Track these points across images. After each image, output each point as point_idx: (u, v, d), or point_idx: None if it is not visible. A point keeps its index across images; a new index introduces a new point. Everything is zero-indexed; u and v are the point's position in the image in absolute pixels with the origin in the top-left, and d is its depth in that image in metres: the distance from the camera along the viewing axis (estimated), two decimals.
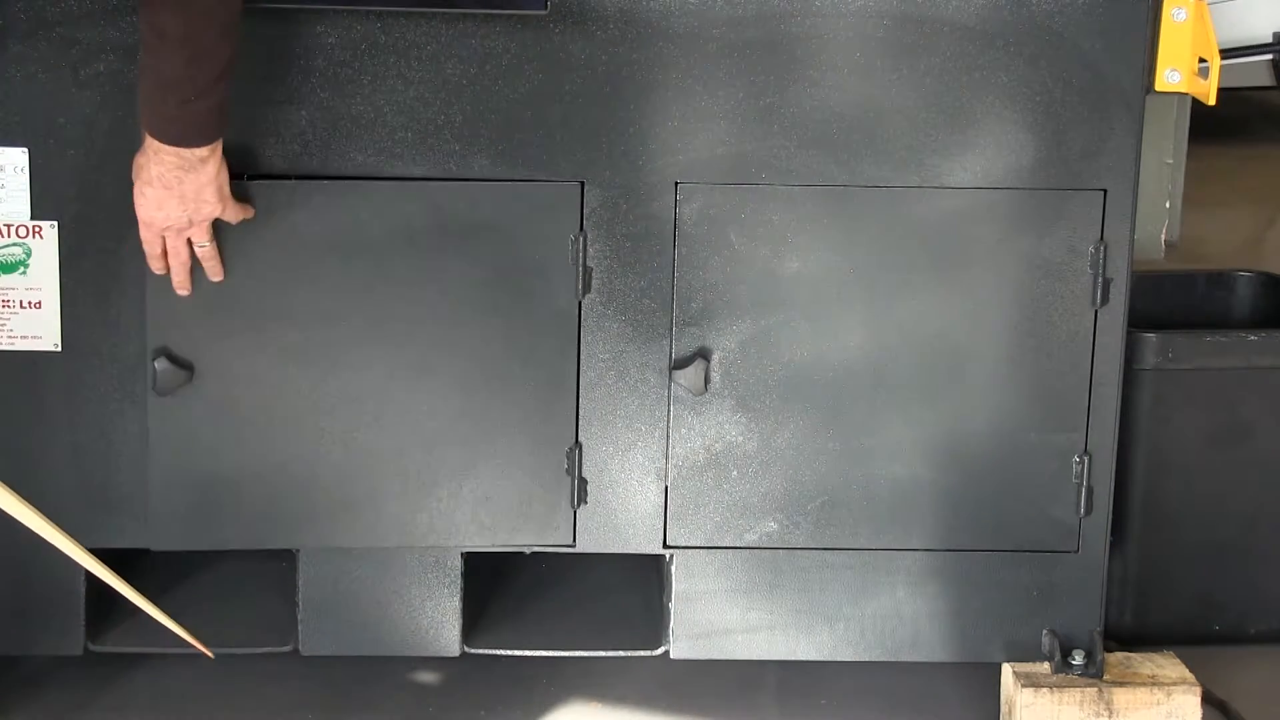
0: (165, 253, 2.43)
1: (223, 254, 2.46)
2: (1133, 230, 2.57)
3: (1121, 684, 2.58)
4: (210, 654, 2.48)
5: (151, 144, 2.32)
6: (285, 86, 2.45)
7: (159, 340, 2.51)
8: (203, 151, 2.32)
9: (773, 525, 2.62)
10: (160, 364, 2.50)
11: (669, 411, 2.58)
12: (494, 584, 2.84)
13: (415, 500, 2.59)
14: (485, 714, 2.66)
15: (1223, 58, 2.54)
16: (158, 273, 2.45)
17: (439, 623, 2.64)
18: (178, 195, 2.35)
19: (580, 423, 2.58)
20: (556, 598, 2.84)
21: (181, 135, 2.30)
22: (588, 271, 2.53)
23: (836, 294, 2.56)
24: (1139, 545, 2.84)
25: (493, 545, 2.62)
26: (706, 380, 2.56)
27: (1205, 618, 2.88)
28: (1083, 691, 2.57)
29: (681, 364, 2.55)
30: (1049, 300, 2.58)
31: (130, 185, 2.45)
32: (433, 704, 2.68)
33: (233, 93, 2.44)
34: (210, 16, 2.24)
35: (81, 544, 2.56)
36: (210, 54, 2.26)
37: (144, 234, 2.41)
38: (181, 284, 2.46)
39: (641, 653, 2.69)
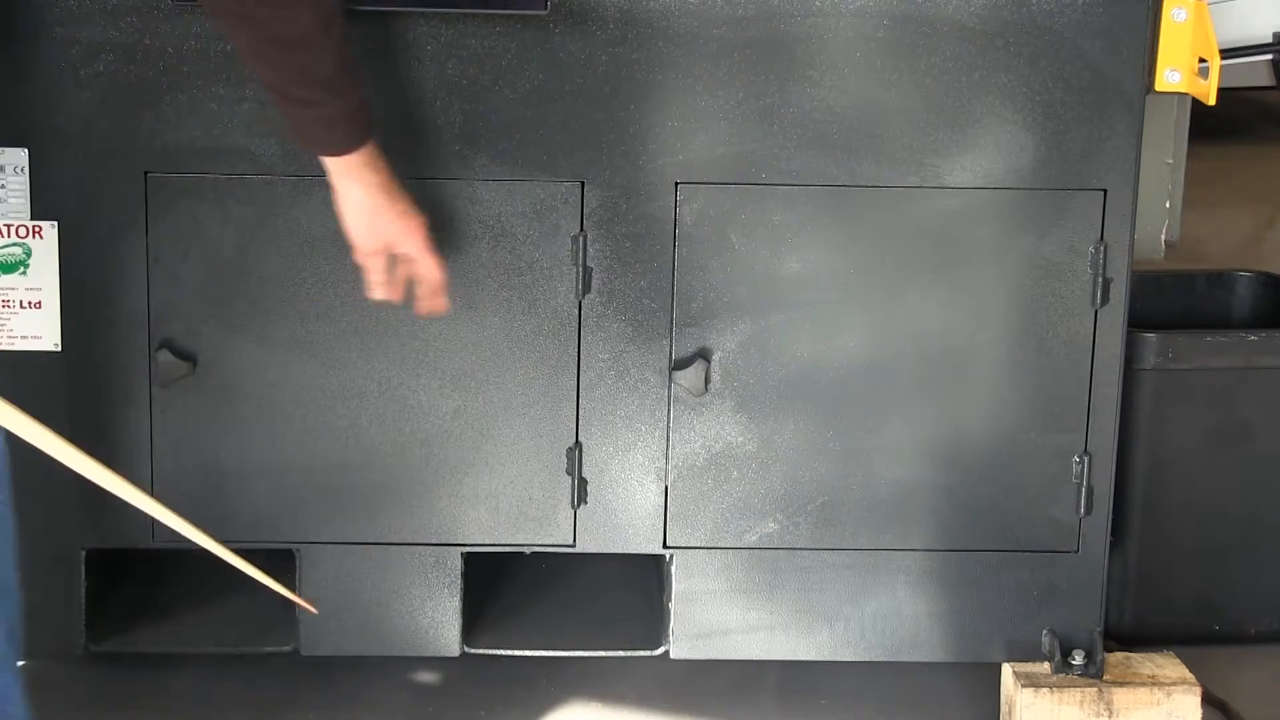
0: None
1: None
2: (1133, 230, 2.57)
3: (1121, 684, 2.58)
4: (313, 610, 2.45)
5: (353, 167, 2.31)
6: None
7: (161, 332, 2.51)
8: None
9: (772, 525, 2.62)
10: (162, 355, 2.50)
11: (669, 412, 2.58)
12: (494, 584, 2.84)
13: (415, 499, 2.59)
14: (485, 714, 2.66)
15: (1223, 58, 2.53)
16: (383, 297, 2.42)
17: (439, 623, 2.64)
18: (395, 185, 2.35)
19: (580, 423, 2.58)
20: (556, 598, 2.84)
21: (365, 130, 2.30)
22: (588, 271, 2.53)
23: (837, 294, 2.56)
24: (1139, 545, 2.84)
25: (493, 545, 2.62)
26: (707, 381, 2.56)
27: (1205, 618, 2.88)
28: (1083, 691, 2.57)
29: (682, 364, 2.55)
30: (1049, 300, 2.57)
31: (129, 185, 2.45)
32: (433, 704, 2.68)
33: (234, 92, 2.45)
34: (331, 22, 2.23)
35: (82, 544, 2.57)
36: (337, 53, 2.25)
37: (370, 259, 2.39)
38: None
39: (641, 653, 2.69)
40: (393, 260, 2.39)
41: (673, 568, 2.64)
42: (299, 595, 2.61)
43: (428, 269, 2.40)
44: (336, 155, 2.30)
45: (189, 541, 2.58)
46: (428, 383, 2.56)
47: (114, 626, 2.68)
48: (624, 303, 2.55)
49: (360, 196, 2.33)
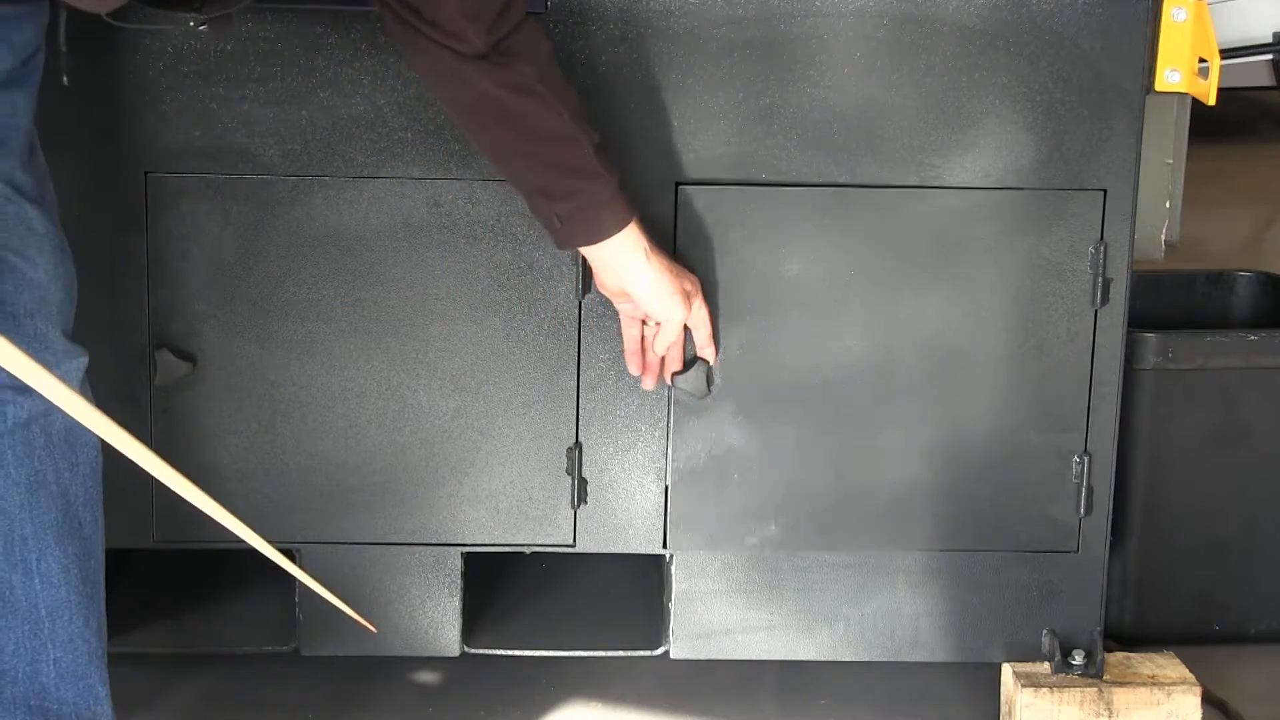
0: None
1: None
2: (1133, 230, 2.57)
3: (1121, 684, 2.58)
4: (373, 628, 2.45)
5: (630, 242, 2.32)
6: (285, 86, 2.45)
7: (161, 332, 2.51)
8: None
9: (773, 527, 2.62)
10: (162, 355, 2.50)
11: (669, 412, 2.58)
12: (494, 584, 2.84)
13: (415, 499, 2.59)
14: (485, 714, 2.66)
15: (1223, 58, 2.53)
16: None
17: (439, 623, 2.64)
18: (669, 261, 2.39)
19: (580, 423, 2.58)
20: (556, 598, 2.84)
21: (629, 204, 2.32)
22: (588, 271, 2.52)
23: (837, 295, 2.56)
24: (1139, 545, 2.84)
25: (493, 545, 2.62)
26: (709, 383, 2.56)
27: (1205, 618, 2.88)
28: (1083, 691, 2.57)
29: (683, 367, 2.55)
30: (1049, 300, 2.57)
31: (129, 185, 2.45)
32: (433, 704, 2.68)
33: (234, 92, 2.45)
34: (560, 103, 2.25)
35: None
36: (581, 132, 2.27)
37: (674, 329, 2.44)
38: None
39: (641, 653, 2.69)
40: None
41: (673, 568, 2.64)
42: (300, 596, 2.62)
43: (704, 317, 2.46)
44: (606, 239, 2.31)
45: (187, 541, 2.60)
46: (428, 383, 2.56)
47: (113, 627, 2.66)
48: None
49: (653, 269, 2.35)
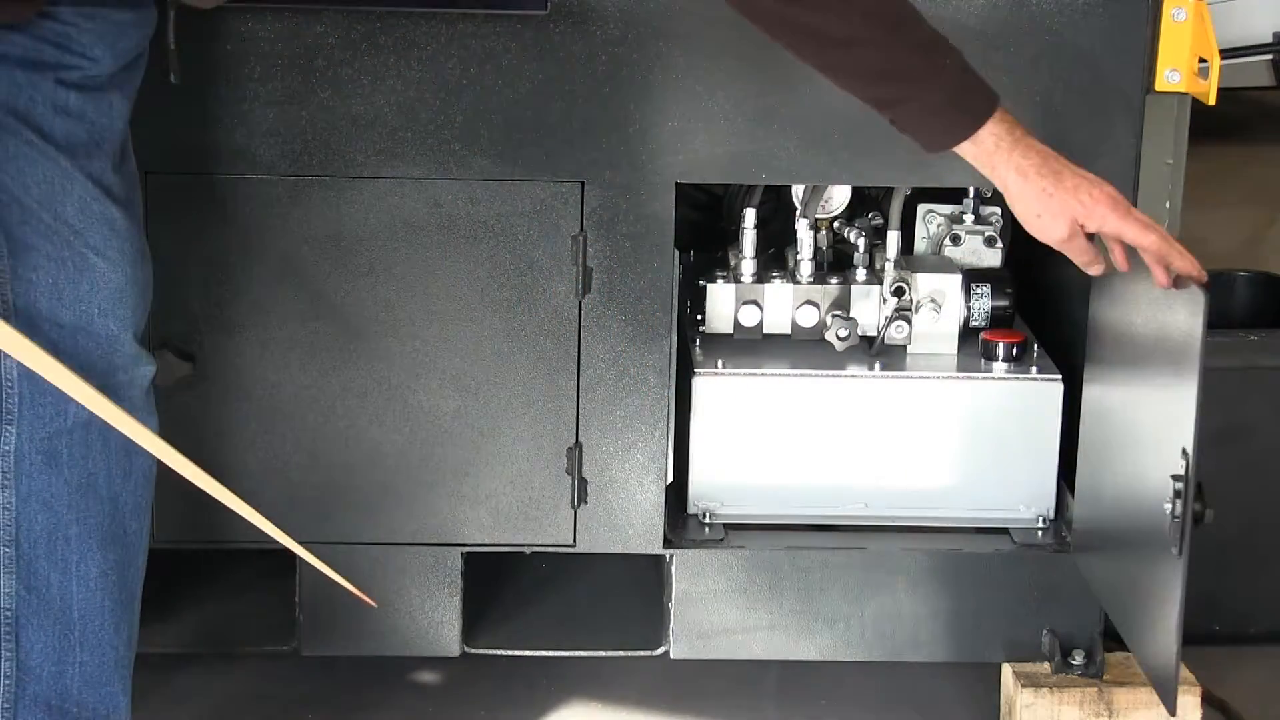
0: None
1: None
2: None
3: (1121, 684, 2.58)
4: (373, 603, 2.37)
5: (986, 153, 2.08)
6: (285, 86, 2.45)
7: (161, 332, 2.51)
8: None
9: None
10: (162, 355, 2.50)
11: (669, 412, 2.58)
12: (494, 584, 2.84)
13: (415, 499, 2.59)
14: (485, 714, 2.66)
15: (1223, 58, 2.53)
16: (1098, 271, 2.18)
17: (439, 623, 2.64)
18: (1050, 156, 2.10)
19: (580, 423, 2.58)
20: (556, 598, 2.84)
21: (975, 113, 2.07)
22: (588, 271, 2.53)
23: None
24: None
25: (493, 545, 2.62)
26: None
27: (1205, 618, 2.87)
28: (1083, 691, 2.57)
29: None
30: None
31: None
32: (433, 704, 2.68)
33: (234, 93, 2.45)
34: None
35: None
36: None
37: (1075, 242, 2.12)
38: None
39: (641, 653, 2.69)
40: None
41: (673, 568, 2.64)
42: (300, 595, 2.62)
43: (1137, 236, 2.11)
44: (951, 146, 2.09)
45: (187, 541, 2.60)
46: (428, 383, 2.56)
47: None
48: (624, 303, 2.55)
49: (1014, 182, 2.10)
